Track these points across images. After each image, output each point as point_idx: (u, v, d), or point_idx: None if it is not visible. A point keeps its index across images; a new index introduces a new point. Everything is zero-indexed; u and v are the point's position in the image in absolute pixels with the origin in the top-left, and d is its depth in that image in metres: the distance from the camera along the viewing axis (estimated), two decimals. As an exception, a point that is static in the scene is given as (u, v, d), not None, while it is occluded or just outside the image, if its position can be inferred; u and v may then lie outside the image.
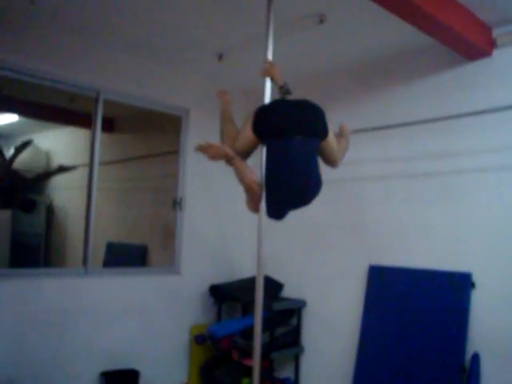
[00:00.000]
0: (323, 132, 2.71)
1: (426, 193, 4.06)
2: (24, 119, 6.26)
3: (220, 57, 4.48)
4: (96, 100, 4.39)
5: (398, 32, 3.78)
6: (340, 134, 3.26)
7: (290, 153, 2.57)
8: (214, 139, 5.05)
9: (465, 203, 3.82)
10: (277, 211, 2.78)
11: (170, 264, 4.98)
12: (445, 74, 4.02)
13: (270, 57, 2.88)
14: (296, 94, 5.07)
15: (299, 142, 2.58)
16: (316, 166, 2.66)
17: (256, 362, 2.72)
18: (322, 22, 3.62)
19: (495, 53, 3.74)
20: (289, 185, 2.60)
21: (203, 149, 2.66)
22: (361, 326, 4.22)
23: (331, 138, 2.79)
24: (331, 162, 2.91)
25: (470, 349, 3.63)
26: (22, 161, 6.50)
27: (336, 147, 2.87)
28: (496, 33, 3.72)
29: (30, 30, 3.95)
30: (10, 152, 6.38)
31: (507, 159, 3.62)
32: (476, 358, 3.59)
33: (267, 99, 2.80)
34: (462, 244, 3.82)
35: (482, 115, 3.56)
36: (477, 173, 3.78)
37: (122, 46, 4.39)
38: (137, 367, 4.45)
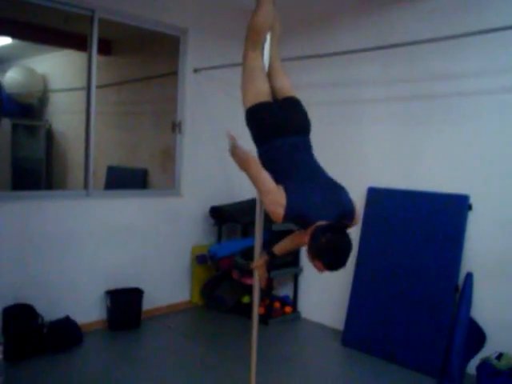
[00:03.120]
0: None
1: (427, 115, 4.02)
2: (18, 42, 6.11)
3: (218, -27, 4.31)
4: (91, 19, 4.24)
5: None
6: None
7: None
8: (213, 60, 4.98)
9: (466, 126, 3.80)
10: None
11: (171, 186, 5.03)
12: (450, -8, 3.88)
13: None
14: (298, 13, 4.90)
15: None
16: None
17: (255, 280, 2.80)
18: None
19: (504, -31, 3.59)
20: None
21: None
22: (358, 246, 4.30)
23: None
24: None
25: (464, 269, 3.74)
26: (18, 84, 6.42)
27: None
28: None
29: None
30: (4, 77, 6.29)
31: (510, 81, 3.57)
32: (469, 277, 3.70)
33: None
34: (460, 167, 3.83)
35: (487, 35, 3.42)
36: (480, 95, 3.73)
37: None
38: (141, 286, 4.59)
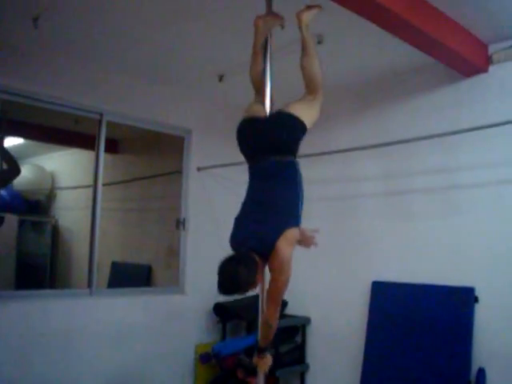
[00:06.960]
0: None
1: (427, 208, 4.08)
2: (29, 142, 6.34)
3: (220, 77, 4.54)
4: (100, 122, 4.45)
5: (396, 51, 3.83)
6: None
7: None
8: (216, 159, 5.11)
9: (465, 218, 3.84)
10: None
11: (175, 283, 5.00)
12: (443, 91, 4.07)
13: (268, 77, 2.77)
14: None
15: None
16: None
17: (261, 380, 2.72)
18: (320, 42, 3.67)
19: (491, 69, 3.80)
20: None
21: None
22: (365, 341, 4.21)
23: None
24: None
25: (476, 363, 3.63)
26: (28, 182, 6.58)
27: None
28: (492, 49, 3.79)
29: (34, 55, 4.02)
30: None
31: (506, 174, 3.66)
32: (482, 372, 3.58)
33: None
34: (464, 259, 3.83)
35: (479, 130, 3.58)
36: (476, 188, 3.80)
37: (124, 68, 4.46)
38: (143, 387, 4.44)
